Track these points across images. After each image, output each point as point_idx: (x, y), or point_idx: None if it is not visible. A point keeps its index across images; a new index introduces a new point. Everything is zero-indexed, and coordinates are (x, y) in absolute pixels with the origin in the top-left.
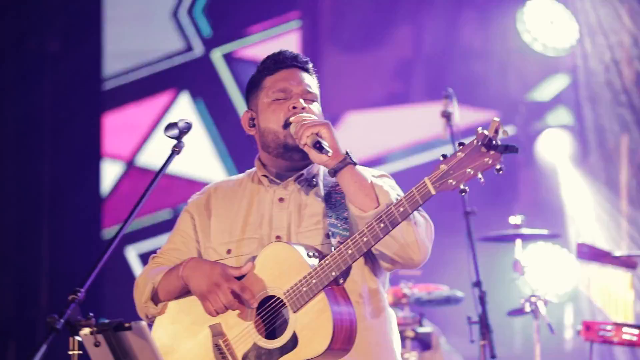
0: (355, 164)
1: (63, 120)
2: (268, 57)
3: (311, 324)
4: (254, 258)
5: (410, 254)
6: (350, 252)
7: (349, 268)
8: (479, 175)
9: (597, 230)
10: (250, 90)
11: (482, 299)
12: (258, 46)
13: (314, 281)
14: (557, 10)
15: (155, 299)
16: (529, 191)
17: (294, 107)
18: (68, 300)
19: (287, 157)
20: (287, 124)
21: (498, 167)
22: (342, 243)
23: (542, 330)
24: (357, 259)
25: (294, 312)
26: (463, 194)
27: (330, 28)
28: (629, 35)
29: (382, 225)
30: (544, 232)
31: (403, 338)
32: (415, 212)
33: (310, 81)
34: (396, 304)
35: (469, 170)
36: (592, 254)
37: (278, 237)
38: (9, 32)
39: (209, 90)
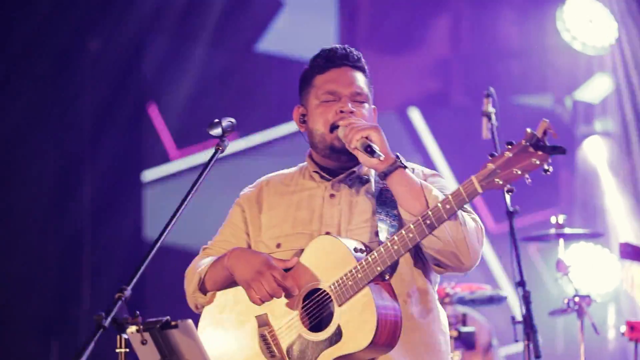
0: (405, 167)
1: (104, 118)
2: (319, 54)
3: (355, 318)
4: (301, 251)
5: (458, 256)
6: (395, 247)
7: (395, 264)
8: (526, 176)
9: (638, 230)
10: (302, 86)
11: (526, 299)
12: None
13: (359, 275)
14: (596, 8)
15: (203, 289)
16: (570, 191)
17: (342, 111)
18: (115, 298)
19: (335, 158)
20: (333, 127)
21: (545, 167)
22: (389, 239)
23: (585, 330)
24: (403, 254)
25: (339, 305)
26: (510, 193)
27: (367, 28)
28: None
29: (427, 222)
30: (586, 231)
31: None
32: (466, 215)
33: (361, 81)
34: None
35: (517, 170)
36: (635, 254)
37: (328, 234)
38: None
39: None
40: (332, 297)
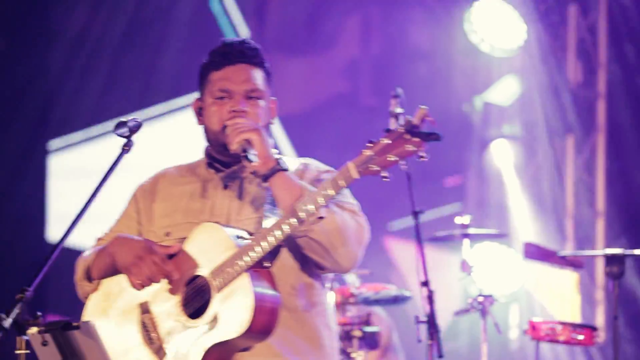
0: (285, 170)
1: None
2: (215, 50)
3: (232, 305)
4: (184, 239)
5: (330, 251)
6: (273, 236)
7: (276, 252)
8: (401, 162)
9: (543, 230)
10: (200, 79)
11: (430, 299)
12: None
13: (238, 262)
14: (505, 10)
15: (89, 277)
16: (476, 191)
17: (234, 111)
18: (16, 299)
19: (228, 155)
20: (225, 127)
21: (420, 154)
22: (267, 227)
23: (488, 330)
24: (281, 241)
25: (218, 292)
26: (385, 179)
27: (275, 28)
28: (574, 35)
29: (305, 207)
30: (491, 231)
31: (350, 337)
32: (347, 214)
33: (258, 77)
34: (344, 304)
35: (392, 156)
36: (538, 254)
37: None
38: None
39: None
40: (211, 284)
